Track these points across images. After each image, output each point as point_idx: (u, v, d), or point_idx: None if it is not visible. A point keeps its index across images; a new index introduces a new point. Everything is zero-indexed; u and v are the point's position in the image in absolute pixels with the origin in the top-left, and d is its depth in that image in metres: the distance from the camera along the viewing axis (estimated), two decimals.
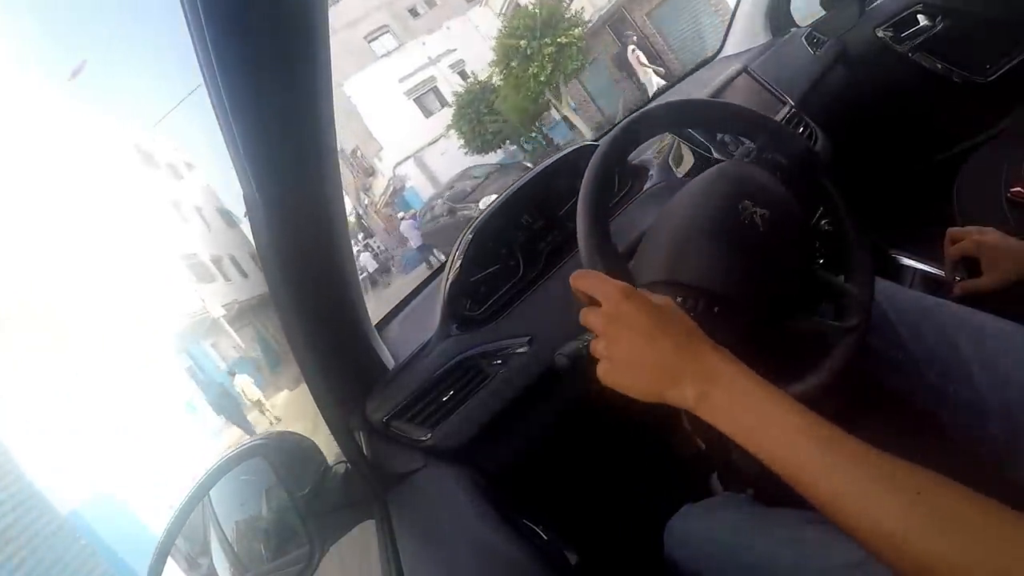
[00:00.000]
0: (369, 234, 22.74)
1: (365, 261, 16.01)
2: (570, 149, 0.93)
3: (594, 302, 0.44)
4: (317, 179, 0.57)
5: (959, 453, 0.60)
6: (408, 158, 17.22)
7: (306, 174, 0.56)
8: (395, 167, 17.41)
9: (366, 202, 22.95)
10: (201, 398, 13.05)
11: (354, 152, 20.16)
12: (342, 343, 0.74)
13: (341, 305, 0.72)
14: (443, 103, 16.77)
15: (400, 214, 14.40)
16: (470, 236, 0.85)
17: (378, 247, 19.39)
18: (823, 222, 0.76)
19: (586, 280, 0.45)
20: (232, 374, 11.82)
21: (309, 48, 0.45)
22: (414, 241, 11.02)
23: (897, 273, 1.02)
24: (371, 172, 20.03)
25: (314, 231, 0.61)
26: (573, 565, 0.82)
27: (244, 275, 17.37)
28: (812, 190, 0.62)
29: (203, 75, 0.44)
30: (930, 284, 0.97)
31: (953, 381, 0.62)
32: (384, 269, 16.27)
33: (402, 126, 16.97)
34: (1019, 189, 0.92)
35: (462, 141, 13.53)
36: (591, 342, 0.45)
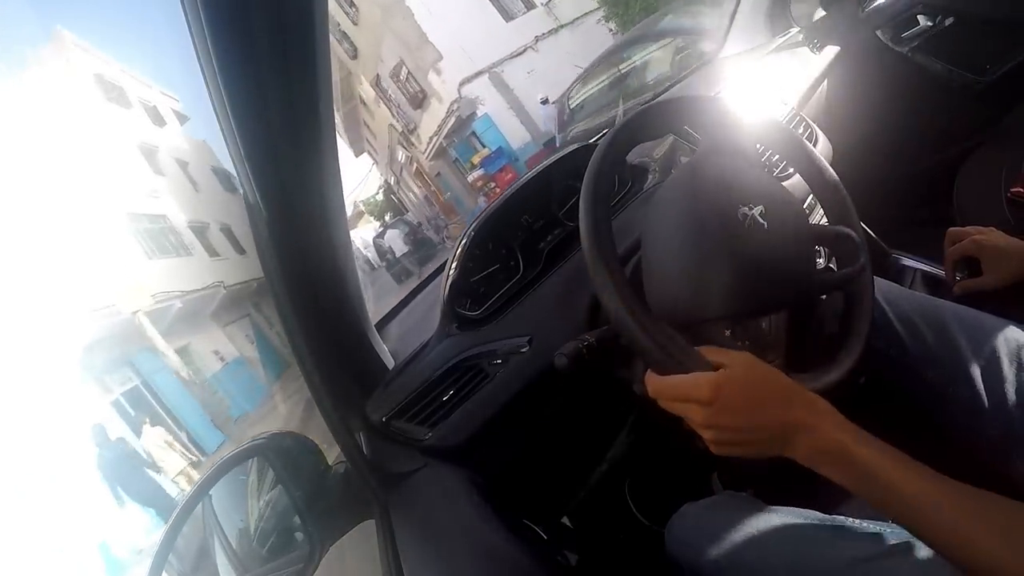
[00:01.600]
0: (400, 211, 18.57)
1: (391, 240, 12.41)
2: (569, 149, 0.93)
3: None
4: (317, 180, 0.57)
5: (958, 452, 0.60)
6: (480, 74, 11.85)
7: (306, 175, 0.56)
8: (460, 86, 11.96)
9: (402, 161, 16.79)
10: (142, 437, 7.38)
11: (395, 72, 13.23)
12: (342, 343, 0.74)
13: (341, 305, 0.72)
14: (528, 4, 12.15)
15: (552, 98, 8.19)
16: (471, 235, 0.85)
17: (415, 223, 14.75)
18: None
19: (670, 389, 0.47)
20: (143, 422, 7.55)
21: (309, 49, 0.45)
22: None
23: (897, 273, 1.03)
24: (420, 100, 13.30)
25: (314, 232, 0.61)
26: (573, 565, 0.82)
27: (241, 251, 12.88)
28: (787, 158, 0.64)
29: (204, 78, 0.45)
30: (930, 284, 0.97)
31: (953, 381, 0.62)
32: (421, 245, 12.00)
33: (472, 31, 11.55)
34: (1019, 189, 0.93)
35: (602, 12, 8.91)
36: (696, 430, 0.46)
